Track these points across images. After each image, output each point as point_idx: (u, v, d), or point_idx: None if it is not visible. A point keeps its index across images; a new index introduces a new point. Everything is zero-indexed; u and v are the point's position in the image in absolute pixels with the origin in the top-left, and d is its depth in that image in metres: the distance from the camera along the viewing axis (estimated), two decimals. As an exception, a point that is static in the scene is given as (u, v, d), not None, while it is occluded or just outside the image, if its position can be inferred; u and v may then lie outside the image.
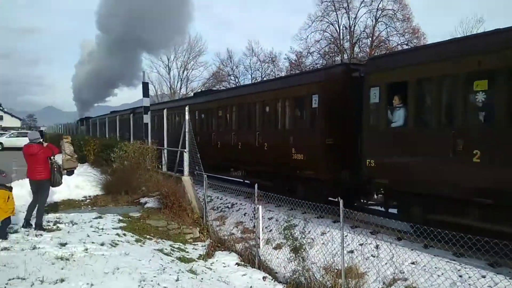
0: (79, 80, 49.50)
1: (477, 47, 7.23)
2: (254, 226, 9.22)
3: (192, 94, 44.41)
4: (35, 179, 8.00)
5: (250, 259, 8.56)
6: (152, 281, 6.03)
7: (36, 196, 8.22)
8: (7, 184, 7.43)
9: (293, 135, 11.69)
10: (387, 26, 36.38)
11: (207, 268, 7.95)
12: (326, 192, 10.75)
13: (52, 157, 8.36)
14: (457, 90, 7.43)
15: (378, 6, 36.01)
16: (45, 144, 8.55)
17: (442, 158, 7.45)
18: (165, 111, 16.75)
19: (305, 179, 11.35)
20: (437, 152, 7.60)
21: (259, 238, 8.60)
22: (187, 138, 12.63)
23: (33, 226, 8.00)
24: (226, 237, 10.01)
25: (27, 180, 8.51)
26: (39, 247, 6.83)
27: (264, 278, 7.61)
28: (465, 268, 6.36)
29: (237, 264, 8.36)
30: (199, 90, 39.26)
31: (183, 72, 52.12)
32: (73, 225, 8.68)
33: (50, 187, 8.44)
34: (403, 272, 6.81)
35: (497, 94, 6.82)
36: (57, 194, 11.55)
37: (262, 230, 9.06)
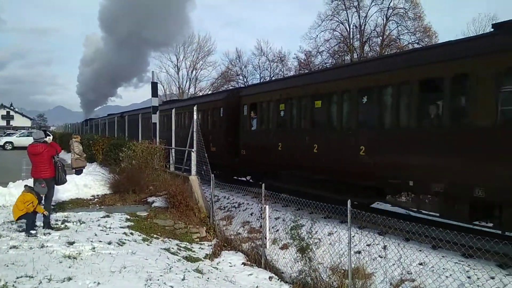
0: (83, 80, 50.01)
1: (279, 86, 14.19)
2: (260, 226, 9.21)
3: (200, 93, 44.57)
4: (39, 177, 8.08)
5: (257, 259, 8.55)
6: (158, 280, 6.05)
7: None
8: (41, 195, 7.83)
9: (211, 134, 16.84)
10: (398, 24, 35.91)
11: (213, 267, 7.96)
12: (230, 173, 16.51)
13: (56, 156, 8.46)
14: (273, 109, 13.41)
15: (389, 5, 35.62)
16: (48, 140, 8.64)
17: (273, 148, 12.85)
18: (173, 110, 16.80)
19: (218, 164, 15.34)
20: (272, 144, 12.85)
21: (265, 238, 8.59)
22: (194, 138, 12.66)
23: (41, 224, 8.09)
24: (232, 237, 10.02)
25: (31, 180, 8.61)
26: (47, 246, 6.90)
27: (270, 278, 7.60)
28: (474, 269, 6.27)
29: (244, 263, 8.36)
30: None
31: (192, 71, 52.26)
32: (81, 224, 8.76)
33: (55, 185, 8.52)
34: (411, 273, 6.74)
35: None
36: (65, 193, 11.67)
37: (269, 230, 9.05)
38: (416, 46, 32.63)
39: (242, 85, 41.68)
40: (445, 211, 8.03)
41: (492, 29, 7.95)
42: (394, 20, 36.18)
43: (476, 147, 7.22)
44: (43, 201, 8.12)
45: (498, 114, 6.97)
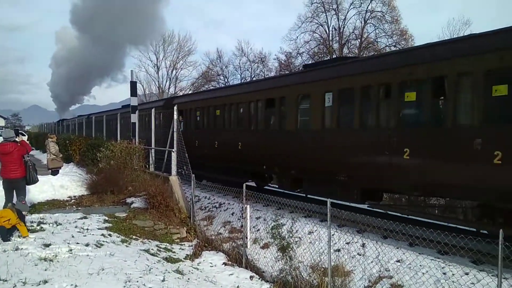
0: (55, 79, 48.90)
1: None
2: (241, 226, 9.21)
3: (181, 93, 44.20)
4: (9, 177, 7.87)
5: (238, 258, 8.54)
6: (137, 281, 5.97)
7: (9, 195, 8.07)
8: (22, 213, 7.56)
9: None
10: (375, 27, 36.69)
11: (194, 268, 7.91)
12: None
13: (26, 155, 8.26)
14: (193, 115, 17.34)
15: (367, 8, 36.33)
16: (18, 140, 8.43)
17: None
18: (153, 110, 16.62)
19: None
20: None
21: (246, 238, 8.60)
22: (175, 138, 12.56)
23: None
24: (213, 237, 9.98)
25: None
26: (21, 248, 6.69)
27: (251, 277, 7.61)
28: (449, 265, 6.45)
29: (224, 263, 8.34)
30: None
31: (172, 71, 51.78)
32: (57, 225, 8.54)
33: (26, 185, 8.31)
34: (389, 270, 6.88)
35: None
36: (41, 194, 11.37)
37: (250, 229, 9.06)
38: (393, 48, 33.33)
39: (222, 85, 41.66)
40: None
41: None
42: (372, 23, 36.91)
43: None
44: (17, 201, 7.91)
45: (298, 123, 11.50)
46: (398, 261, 7.00)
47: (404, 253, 7.09)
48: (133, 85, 16.66)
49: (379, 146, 8.91)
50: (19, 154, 7.96)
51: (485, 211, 7.51)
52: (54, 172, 13.71)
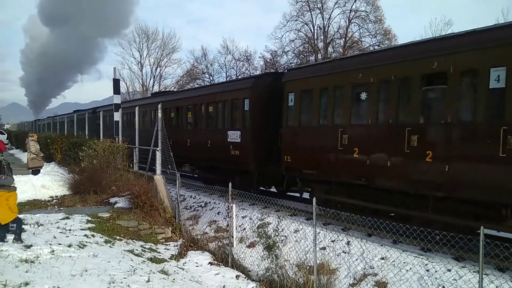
0: (27, 74, 47.76)
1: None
2: (227, 225, 9.18)
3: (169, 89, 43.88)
4: None
5: (224, 258, 8.52)
6: (122, 282, 5.89)
7: None
8: (11, 185, 7.26)
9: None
10: (360, 27, 37.03)
11: (179, 268, 7.85)
12: None
13: (0, 154, 8.05)
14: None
15: (351, 8, 36.62)
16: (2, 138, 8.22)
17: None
18: (136, 108, 16.41)
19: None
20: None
21: (232, 237, 8.58)
22: (159, 136, 12.43)
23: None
24: (199, 237, 9.92)
25: None
26: (1, 250, 6.52)
27: (237, 276, 7.60)
28: (432, 262, 6.56)
29: (210, 263, 8.30)
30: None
31: (156, 69, 51.16)
32: (38, 226, 8.35)
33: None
34: (373, 268, 6.96)
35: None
36: (21, 194, 11.03)
37: (236, 228, 9.05)
38: (376, 48, 33.73)
39: (208, 83, 41.43)
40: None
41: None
42: (356, 23, 37.22)
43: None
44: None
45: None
46: (382, 258, 7.09)
47: (388, 251, 7.19)
48: (116, 82, 16.39)
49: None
50: None
51: None
52: (35, 171, 13.40)
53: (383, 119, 8.47)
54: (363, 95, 8.76)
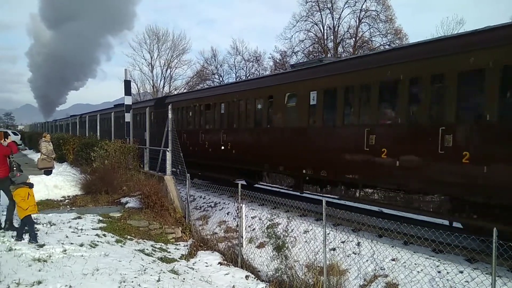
0: (35, 76, 48.33)
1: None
2: (237, 225, 9.20)
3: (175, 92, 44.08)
4: None
5: (233, 258, 8.53)
6: (132, 282, 5.94)
7: None
8: (26, 181, 7.45)
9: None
10: (370, 26, 36.74)
11: (189, 268, 7.88)
12: None
13: (11, 156, 8.24)
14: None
15: (361, 7, 36.36)
16: (5, 143, 8.36)
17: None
18: (147, 109, 16.53)
19: None
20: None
21: (242, 237, 8.60)
22: (170, 137, 12.50)
23: (2, 225, 7.80)
24: (208, 237, 9.96)
25: None
26: (15, 249, 6.64)
27: (247, 277, 7.60)
28: (443, 264, 6.48)
29: (220, 263, 8.32)
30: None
31: (166, 70, 51.49)
32: (51, 225, 8.48)
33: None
34: (384, 269, 6.90)
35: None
36: (35, 194, 11.23)
37: (245, 229, 9.06)
38: (387, 47, 33.43)
39: (217, 84, 41.56)
40: None
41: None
42: (367, 22, 36.94)
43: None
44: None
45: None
46: (393, 259, 7.02)
47: (399, 252, 7.12)
48: (127, 84, 16.56)
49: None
50: (1, 154, 7.97)
51: None
52: (47, 172, 13.59)
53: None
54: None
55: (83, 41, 37.85)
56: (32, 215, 7.40)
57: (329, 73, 10.21)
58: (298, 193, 11.71)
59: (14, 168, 8.14)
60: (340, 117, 9.64)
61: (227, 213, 11.51)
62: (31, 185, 7.49)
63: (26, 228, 7.28)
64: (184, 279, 6.87)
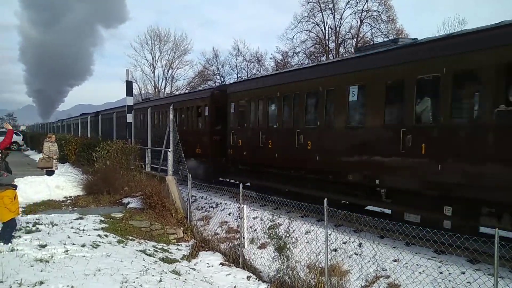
0: (30, 87, 48.30)
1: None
2: (238, 226, 9.20)
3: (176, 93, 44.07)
4: None
5: (235, 258, 8.54)
6: (134, 282, 5.95)
7: None
8: (12, 183, 7.25)
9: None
10: (371, 27, 36.75)
11: (190, 268, 7.89)
12: None
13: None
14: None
15: (363, 8, 36.37)
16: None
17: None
18: (148, 110, 16.57)
19: None
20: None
21: (243, 238, 8.59)
22: (171, 138, 12.52)
23: None
24: (210, 237, 9.96)
25: None
26: (17, 249, 6.65)
27: (248, 277, 7.61)
28: (445, 264, 6.47)
29: (221, 264, 8.33)
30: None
31: (168, 70, 51.61)
32: (53, 226, 8.49)
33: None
34: (386, 270, 6.89)
35: None
36: (36, 194, 11.33)
37: (247, 229, 9.05)
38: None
39: (218, 84, 41.55)
40: None
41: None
42: (368, 23, 36.96)
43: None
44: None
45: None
46: (395, 260, 7.01)
47: (400, 253, 7.11)
48: (129, 84, 16.60)
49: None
50: None
51: None
52: (49, 172, 13.65)
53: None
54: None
55: (72, 30, 37.71)
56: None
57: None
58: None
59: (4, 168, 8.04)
60: None
61: (229, 214, 11.52)
62: (15, 187, 7.31)
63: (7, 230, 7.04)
64: (185, 279, 6.88)
